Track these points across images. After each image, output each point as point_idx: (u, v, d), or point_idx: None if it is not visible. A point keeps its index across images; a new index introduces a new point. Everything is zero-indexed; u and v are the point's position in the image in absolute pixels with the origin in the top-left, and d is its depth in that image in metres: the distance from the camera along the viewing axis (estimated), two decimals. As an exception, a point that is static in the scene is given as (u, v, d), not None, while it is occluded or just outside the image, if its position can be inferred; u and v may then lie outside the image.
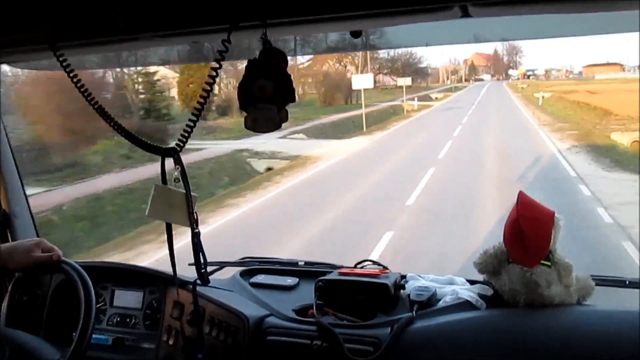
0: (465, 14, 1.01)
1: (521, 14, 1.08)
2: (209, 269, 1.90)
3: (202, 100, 1.06)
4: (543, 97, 31.84)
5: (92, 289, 1.36)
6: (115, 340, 1.67)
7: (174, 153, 1.10)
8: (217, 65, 1.01)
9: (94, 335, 1.65)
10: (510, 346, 1.26)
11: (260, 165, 15.67)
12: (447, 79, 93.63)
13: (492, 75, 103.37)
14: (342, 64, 41.93)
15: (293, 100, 1.01)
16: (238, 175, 14.39)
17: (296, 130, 21.62)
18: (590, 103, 26.12)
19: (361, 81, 24.80)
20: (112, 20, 1.05)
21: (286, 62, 1.00)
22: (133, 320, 1.71)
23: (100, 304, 1.75)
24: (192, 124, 1.07)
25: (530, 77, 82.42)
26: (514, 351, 1.25)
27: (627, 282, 1.52)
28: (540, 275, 1.35)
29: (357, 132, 22.23)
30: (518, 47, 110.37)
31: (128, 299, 1.74)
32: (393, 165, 13.76)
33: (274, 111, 1.01)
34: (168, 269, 1.44)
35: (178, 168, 1.12)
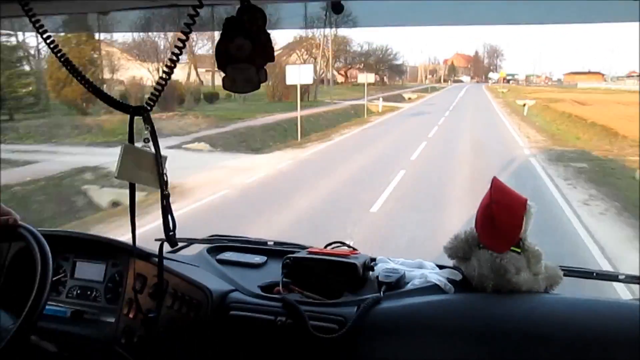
0: None
1: None
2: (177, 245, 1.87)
3: (171, 64, 1.02)
4: (526, 105, 28.92)
5: (49, 257, 1.31)
6: (74, 312, 1.62)
7: (144, 112, 1.06)
8: (188, 29, 0.97)
9: (52, 307, 1.60)
10: (476, 330, 1.26)
11: (103, 196, 9.65)
12: (426, 78, 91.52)
13: (472, 77, 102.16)
14: (312, 55, 39.22)
15: (272, 59, 0.98)
16: (61, 212, 8.95)
17: (204, 135, 16.36)
18: (583, 116, 22.26)
19: (297, 74, 17.73)
20: None
21: (265, 20, 0.96)
22: (94, 293, 1.66)
23: (60, 276, 1.70)
24: (163, 82, 1.03)
25: (510, 82, 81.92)
26: (479, 335, 1.25)
27: (594, 274, 1.54)
28: (510, 261, 1.35)
29: (286, 142, 16.44)
30: (499, 50, 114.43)
31: (90, 271, 1.69)
32: (286, 230, 7.12)
33: (253, 71, 0.98)
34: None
35: (148, 128, 1.08)
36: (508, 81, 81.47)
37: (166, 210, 1.14)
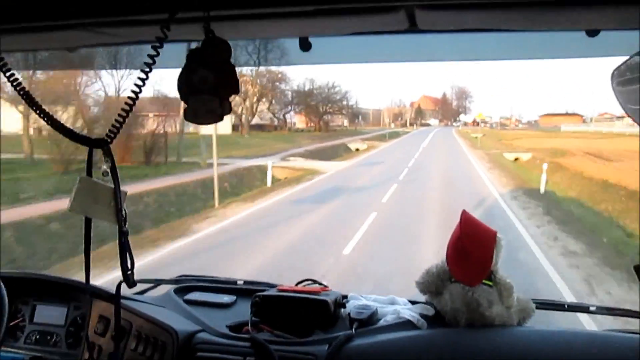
0: (413, 24, 1.01)
1: (473, 29, 1.09)
2: (144, 286, 1.81)
3: (133, 96, 1.01)
4: (517, 159, 22.21)
5: (5, 301, 1.25)
6: (32, 359, 1.54)
7: (104, 144, 1.03)
8: (152, 61, 0.97)
9: (9, 354, 1.53)
10: None
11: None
12: (392, 122, 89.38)
13: (440, 120, 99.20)
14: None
15: (237, 92, 0.98)
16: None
17: None
18: (625, 183, 12.69)
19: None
20: (39, 2, 1.00)
21: (229, 52, 0.96)
22: (54, 337, 1.59)
23: (18, 320, 1.63)
24: (124, 114, 1.01)
25: (481, 125, 76.90)
26: None
27: (566, 306, 1.53)
28: (482, 294, 1.34)
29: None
30: (467, 91, 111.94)
31: (50, 314, 1.63)
32: None
33: (216, 103, 0.96)
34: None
35: (107, 161, 1.05)
36: (477, 124, 77.12)
37: (124, 248, 1.09)
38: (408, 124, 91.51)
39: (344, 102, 53.13)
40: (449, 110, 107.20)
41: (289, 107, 48.74)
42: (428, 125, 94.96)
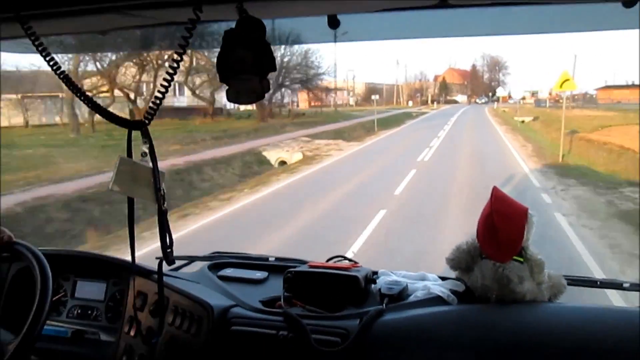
0: (443, 0, 1.00)
1: (505, 2, 1.07)
2: (179, 263, 1.87)
3: (168, 77, 1.03)
4: None
5: (49, 277, 1.30)
6: (74, 332, 1.61)
7: (142, 126, 1.06)
8: (185, 42, 0.98)
9: (52, 327, 1.60)
10: (480, 341, 1.24)
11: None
12: (409, 99, 78.11)
13: (469, 96, 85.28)
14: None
15: (274, 69, 0.99)
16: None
17: None
18: None
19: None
20: None
21: (264, 30, 0.97)
22: (95, 312, 1.66)
23: (61, 295, 1.70)
24: (160, 96, 1.04)
25: (520, 102, 58.64)
26: (484, 346, 1.23)
27: (598, 282, 1.52)
28: (513, 270, 1.34)
29: None
30: (501, 61, 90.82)
31: (91, 290, 1.69)
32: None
33: (256, 81, 0.98)
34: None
35: (146, 142, 1.08)
36: (515, 100, 61.60)
37: (164, 227, 1.13)
38: (430, 101, 77.72)
39: (324, 76, 38.81)
40: (479, 84, 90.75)
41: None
42: (455, 102, 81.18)
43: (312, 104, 49.91)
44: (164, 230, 1.13)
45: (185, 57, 1.05)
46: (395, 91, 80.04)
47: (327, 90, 48.35)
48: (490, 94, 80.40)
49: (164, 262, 1.27)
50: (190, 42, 1.01)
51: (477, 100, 78.34)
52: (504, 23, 1.33)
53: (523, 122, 29.42)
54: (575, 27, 1.35)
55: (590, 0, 1.04)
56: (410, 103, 75.35)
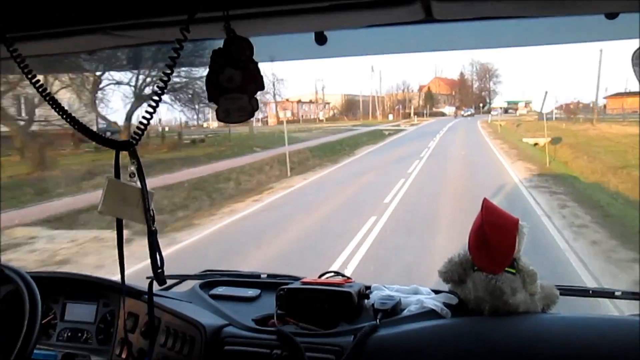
0: (429, 14, 1.01)
1: (489, 17, 1.08)
2: (170, 282, 1.85)
3: (156, 98, 1.02)
4: None
5: (38, 299, 1.29)
6: (65, 356, 1.59)
7: (130, 146, 1.05)
8: (172, 62, 0.98)
9: (42, 351, 1.57)
10: (475, 354, 1.24)
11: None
12: (388, 112, 68.75)
13: (458, 108, 74.35)
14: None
15: (262, 87, 0.99)
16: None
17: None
18: None
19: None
20: (60, 7, 1.01)
21: (252, 49, 0.97)
22: (85, 334, 1.63)
23: (50, 318, 1.67)
24: (148, 116, 1.03)
25: (509, 112, 59.00)
26: (479, 358, 1.23)
27: (590, 292, 1.53)
28: (505, 282, 1.34)
29: None
30: (492, 69, 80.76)
31: (81, 312, 1.66)
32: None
33: (245, 100, 0.98)
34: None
35: (134, 162, 1.07)
36: (506, 111, 60.62)
37: (154, 247, 1.12)
38: (412, 114, 67.92)
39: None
40: (468, 94, 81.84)
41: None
42: (442, 114, 70.32)
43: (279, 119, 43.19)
44: (154, 250, 1.12)
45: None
46: (371, 103, 70.66)
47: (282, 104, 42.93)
48: (481, 105, 72.93)
49: (154, 282, 1.26)
50: (178, 61, 1.01)
51: (463, 113, 66.08)
52: (489, 36, 1.35)
53: (536, 145, 20.71)
54: (560, 39, 1.37)
55: (573, 13, 1.06)
56: (391, 116, 66.74)
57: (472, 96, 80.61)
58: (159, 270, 1.13)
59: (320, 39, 1.16)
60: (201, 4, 0.93)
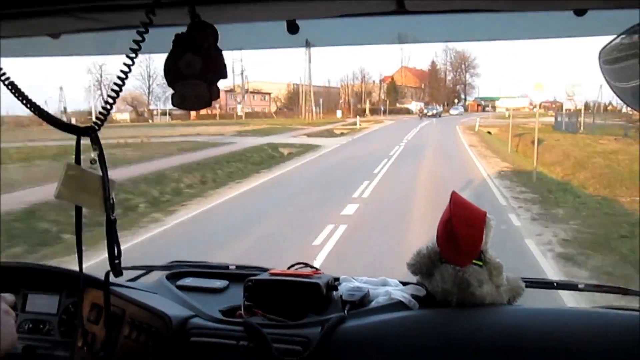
0: (401, 6, 1.00)
1: (461, 9, 1.08)
2: (136, 273, 1.81)
3: (119, 82, 1.00)
4: None
5: None
6: (26, 348, 1.54)
7: (92, 132, 1.02)
8: (137, 47, 0.95)
9: None
10: (442, 345, 1.25)
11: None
12: (341, 108, 53.29)
13: (426, 104, 59.55)
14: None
15: (224, 76, 0.97)
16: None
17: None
18: None
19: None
20: None
21: (216, 36, 0.95)
22: (47, 326, 1.59)
23: None
24: (111, 101, 1.00)
25: (486, 109, 51.47)
26: (446, 350, 1.24)
27: (555, 284, 1.55)
28: (472, 274, 1.35)
29: None
30: (469, 58, 67.18)
31: (43, 303, 1.62)
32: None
33: (204, 88, 0.96)
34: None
35: (95, 149, 1.04)
36: (483, 108, 53.90)
37: (112, 237, 1.09)
38: (367, 111, 55.02)
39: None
40: (439, 87, 68.86)
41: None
42: (407, 112, 56.80)
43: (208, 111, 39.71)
44: (112, 241, 1.09)
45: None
46: (302, 95, 53.64)
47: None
48: (456, 101, 61.69)
49: (112, 274, 1.23)
50: (143, 46, 0.98)
51: (426, 112, 52.09)
52: (461, 29, 1.35)
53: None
54: (530, 35, 1.38)
55: (542, 9, 1.06)
56: (340, 113, 53.71)
57: (444, 90, 68.83)
58: (116, 261, 1.10)
59: (292, 28, 1.14)
60: None
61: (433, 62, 71.31)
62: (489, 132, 30.29)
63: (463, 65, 70.58)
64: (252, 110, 51.48)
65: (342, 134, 33.52)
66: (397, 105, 63.37)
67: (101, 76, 50.72)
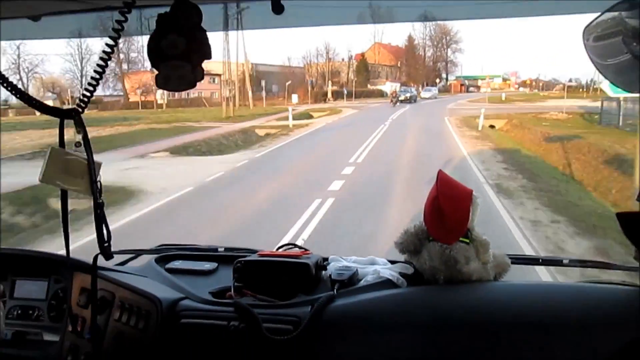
0: None
1: None
2: (125, 257, 1.81)
3: (102, 63, 0.98)
4: None
5: None
6: (15, 334, 1.54)
7: (75, 114, 1.01)
8: (120, 27, 0.94)
9: None
10: (431, 321, 1.27)
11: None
12: (296, 92, 43.43)
13: (403, 84, 51.95)
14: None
15: (209, 57, 0.96)
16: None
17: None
18: None
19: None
20: None
21: (200, 16, 0.94)
22: (37, 312, 1.59)
23: None
24: (94, 82, 0.99)
25: (469, 89, 45.70)
26: (434, 326, 1.26)
27: (540, 260, 1.58)
28: (459, 251, 1.37)
29: None
30: (451, 31, 56.88)
31: (31, 289, 1.62)
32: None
33: (188, 69, 0.95)
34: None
35: (80, 132, 1.03)
36: (467, 89, 48.35)
37: (100, 221, 1.08)
38: (330, 95, 45.88)
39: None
40: (418, 65, 59.02)
41: None
42: (380, 94, 48.25)
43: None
44: (101, 224, 1.08)
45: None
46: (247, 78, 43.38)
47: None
48: (437, 81, 53.39)
49: (102, 257, 1.22)
50: (125, 27, 0.97)
51: (400, 96, 40.66)
52: (443, 6, 1.35)
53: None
54: (516, 13, 1.38)
55: None
56: (296, 98, 44.50)
57: (423, 68, 58.99)
58: (106, 245, 1.10)
59: (278, 8, 1.13)
60: None
61: (410, 37, 60.68)
62: (492, 126, 22.14)
63: (444, 40, 60.47)
64: (194, 97, 44.03)
65: (237, 148, 18.26)
66: (369, 86, 53.27)
67: (19, 57, 45.55)
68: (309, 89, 45.16)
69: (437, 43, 59.79)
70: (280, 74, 49.06)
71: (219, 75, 39.98)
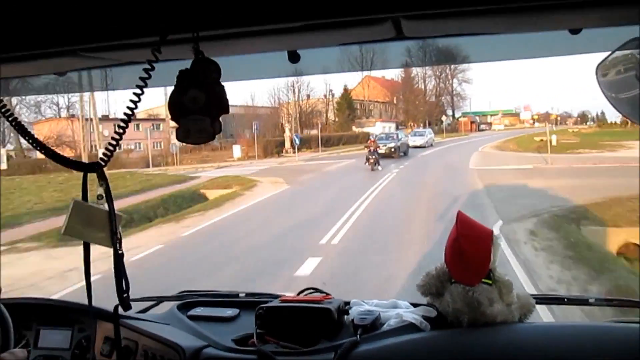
0: (399, 32, 1.02)
1: (459, 33, 1.10)
2: (146, 304, 1.82)
3: (126, 118, 1.01)
4: None
5: (10, 326, 1.25)
6: None
7: (98, 168, 1.04)
8: (143, 83, 0.98)
9: None
10: None
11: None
12: (243, 144, 32.46)
13: (399, 125, 43.01)
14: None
15: (227, 111, 0.99)
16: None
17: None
18: None
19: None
20: (30, 31, 1.00)
21: (219, 72, 0.97)
22: None
23: (22, 345, 1.63)
24: (117, 137, 1.02)
25: (480, 127, 39.32)
26: None
27: (565, 300, 1.55)
28: (482, 293, 1.35)
29: None
30: (459, 67, 47.84)
31: (55, 338, 1.62)
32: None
33: (207, 122, 0.98)
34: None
35: (102, 184, 1.05)
36: (478, 126, 42.76)
37: (119, 271, 1.10)
38: (289, 144, 34.03)
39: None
40: (418, 101, 48.28)
41: None
42: (365, 138, 29.90)
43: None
44: (120, 275, 1.10)
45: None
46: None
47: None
48: (443, 119, 44.55)
49: (121, 308, 1.23)
50: (148, 82, 1.00)
51: (380, 145, 24.00)
52: (457, 52, 1.37)
53: None
54: (526, 54, 1.40)
55: (539, 29, 1.08)
56: (238, 151, 33.39)
57: (424, 104, 48.25)
58: (125, 295, 1.11)
59: (294, 58, 1.16)
60: (172, 26, 0.93)
61: (406, 70, 48.22)
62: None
63: (448, 69, 49.61)
64: (126, 148, 33.17)
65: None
66: (354, 128, 41.76)
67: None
68: (254, 135, 33.42)
69: (441, 73, 50.86)
70: (244, 116, 39.50)
71: (163, 120, 35.29)
